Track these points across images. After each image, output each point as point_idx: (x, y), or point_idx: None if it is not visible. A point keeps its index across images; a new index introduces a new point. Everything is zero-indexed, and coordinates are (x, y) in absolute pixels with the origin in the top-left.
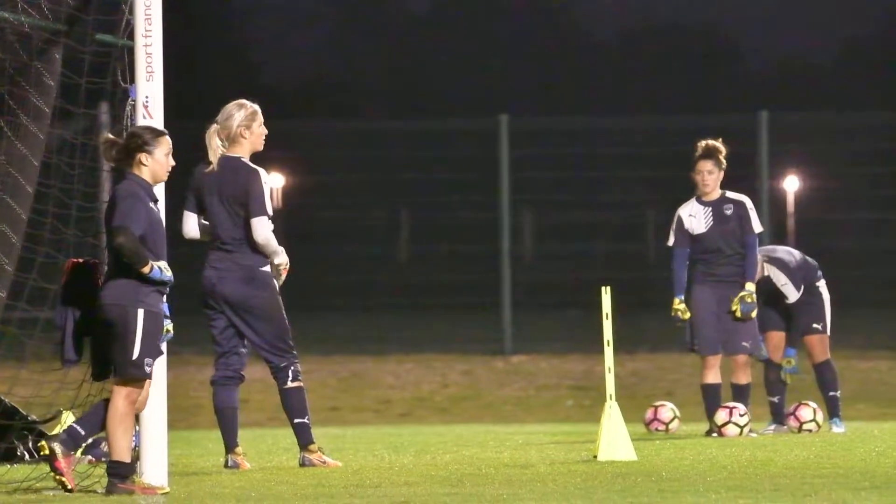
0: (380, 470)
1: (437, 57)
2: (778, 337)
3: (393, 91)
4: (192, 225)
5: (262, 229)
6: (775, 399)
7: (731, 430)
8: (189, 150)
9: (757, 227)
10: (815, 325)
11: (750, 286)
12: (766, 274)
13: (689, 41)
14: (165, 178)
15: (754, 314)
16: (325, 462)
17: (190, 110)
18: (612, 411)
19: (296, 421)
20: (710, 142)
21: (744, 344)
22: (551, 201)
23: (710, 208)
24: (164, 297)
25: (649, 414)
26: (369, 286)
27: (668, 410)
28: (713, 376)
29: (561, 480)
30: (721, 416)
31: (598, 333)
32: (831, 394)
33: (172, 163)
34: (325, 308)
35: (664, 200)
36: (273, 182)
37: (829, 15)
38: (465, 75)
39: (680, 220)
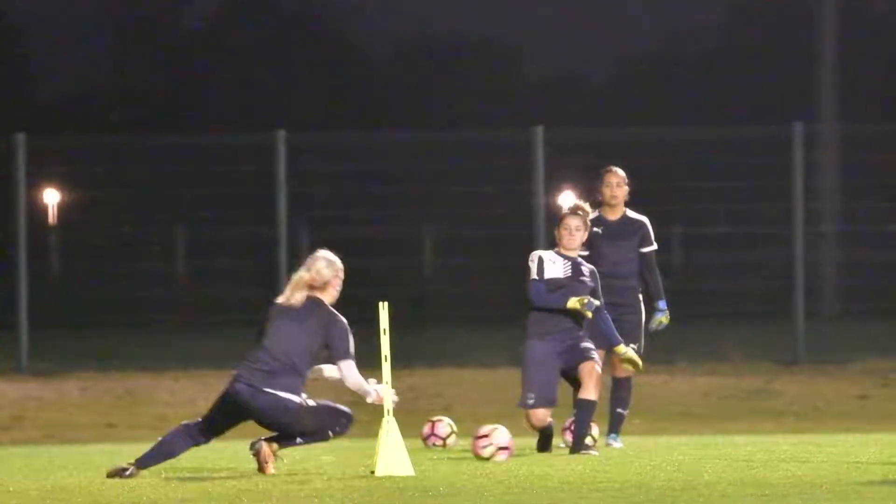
0: (156, 487)
1: (213, 72)
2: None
3: (169, 106)
4: None
5: None
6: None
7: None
8: None
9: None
10: (631, 345)
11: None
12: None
13: (465, 55)
14: None
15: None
16: None
17: None
18: (389, 426)
19: None
20: (578, 202)
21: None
22: (328, 217)
23: (570, 263)
24: None
25: (427, 429)
26: (145, 302)
27: (445, 425)
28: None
29: (339, 496)
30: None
31: (375, 348)
32: (619, 411)
33: None
34: (100, 324)
35: (440, 216)
36: (49, 197)
37: (605, 32)
38: (241, 90)
39: (541, 261)
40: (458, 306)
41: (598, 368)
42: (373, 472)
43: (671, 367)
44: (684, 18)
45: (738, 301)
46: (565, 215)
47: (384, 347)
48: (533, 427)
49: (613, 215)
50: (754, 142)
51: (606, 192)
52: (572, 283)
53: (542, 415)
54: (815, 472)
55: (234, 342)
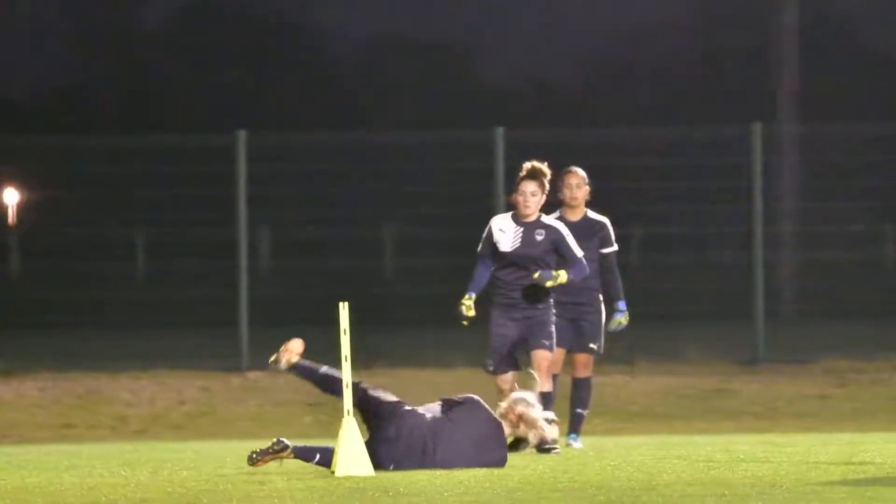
0: (116, 487)
1: (173, 72)
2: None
3: (129, 106)
4: None
5: None
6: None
7: None
8: None
9: (578, 252)
10: (591, 345)
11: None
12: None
13: (425, 56)
14: None
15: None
16: None
17: None
18: (349, 427)
19: None
20: (535, 164)
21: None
22: (289, 217)
23: (522, 230)
24: None
25: None
26: (104, 302)
27: None
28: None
29: (299, 496)
30: None
31: (335, 348)
32: (579, 411)
33: None
34: (60, 324)
35: (401, 216)
36: (9, 197)
37: (566, 35)
38: (201, 90)
39: (489, 233)
40: (419, 306)
41: (548, 360)
42: (333, 472)
43: (631, 368)
44: (644, 20)
45: (698, 301)
46: (521, 178)
47: (344, 348)
48: (502, 392)
49: (574, 216)
50: (713, 142)
51: (567, 192)
52: (521, 252)
53: (506, 379)
54: (774, 472)
55: (193, 342)
